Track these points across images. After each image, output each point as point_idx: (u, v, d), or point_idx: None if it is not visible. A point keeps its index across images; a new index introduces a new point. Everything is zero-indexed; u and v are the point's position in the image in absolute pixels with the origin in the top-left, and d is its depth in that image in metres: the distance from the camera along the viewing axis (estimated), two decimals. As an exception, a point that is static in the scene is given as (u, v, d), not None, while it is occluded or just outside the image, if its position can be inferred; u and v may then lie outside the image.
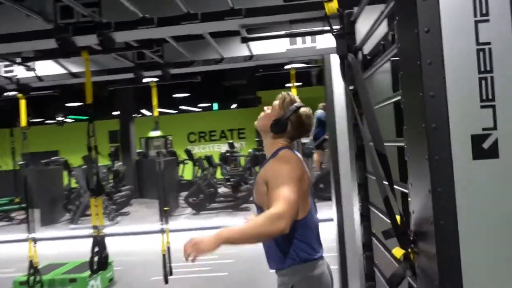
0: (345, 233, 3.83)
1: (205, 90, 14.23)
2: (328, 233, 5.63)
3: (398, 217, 1.41)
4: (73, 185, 11.38)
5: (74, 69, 4.10)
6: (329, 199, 8.20)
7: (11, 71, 4.11)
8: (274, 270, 1.97)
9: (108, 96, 11.95)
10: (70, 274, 4.38)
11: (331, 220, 6.79)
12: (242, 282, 4.88)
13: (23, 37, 2.69)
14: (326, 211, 7.39)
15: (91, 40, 2.86)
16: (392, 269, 2.31)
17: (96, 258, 2.88)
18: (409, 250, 1.38)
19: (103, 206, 8.24)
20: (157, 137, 21.33)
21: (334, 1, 1.20)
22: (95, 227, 2.92)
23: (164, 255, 4.04)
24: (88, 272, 4.40)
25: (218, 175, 11.72)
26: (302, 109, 1.99)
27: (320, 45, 3.83)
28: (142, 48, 3.20)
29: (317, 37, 3.80)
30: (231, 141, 14.97)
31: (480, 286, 1.16)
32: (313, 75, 20.66)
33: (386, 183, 1.44)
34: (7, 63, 4.09)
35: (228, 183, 8.41)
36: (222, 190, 9.40)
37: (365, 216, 2.48)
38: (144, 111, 16.57)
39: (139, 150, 13.98)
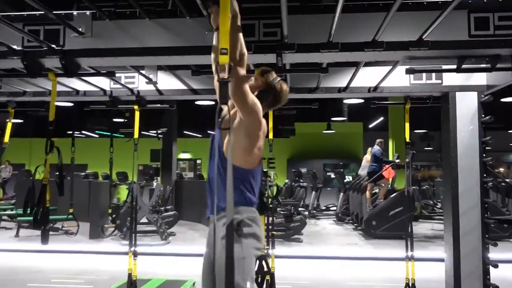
0: (461, 274, 3.72)
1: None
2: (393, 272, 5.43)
3: None
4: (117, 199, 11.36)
5: (195, 85, 4.16)
6: (385, 237, 8.08)
7: (133, 82, 4.18)
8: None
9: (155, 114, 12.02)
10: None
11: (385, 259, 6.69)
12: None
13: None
14: (381, 250, 7.25)
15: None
16: None
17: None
18: None
19: (157, 225, 8.13)
20: (187, 159, 21.42)
21: None
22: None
23: (267, 280, 3.95)
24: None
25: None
26: (282, 82, 2.26)
27: (447, 82, 3.84)
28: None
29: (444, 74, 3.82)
30: (265, 169, 14.90)
31: None
32: (345, 111, 20.80)
33: None
34: (128, 74, 4.17)
35: (282, 212, 8.31)
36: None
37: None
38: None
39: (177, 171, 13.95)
